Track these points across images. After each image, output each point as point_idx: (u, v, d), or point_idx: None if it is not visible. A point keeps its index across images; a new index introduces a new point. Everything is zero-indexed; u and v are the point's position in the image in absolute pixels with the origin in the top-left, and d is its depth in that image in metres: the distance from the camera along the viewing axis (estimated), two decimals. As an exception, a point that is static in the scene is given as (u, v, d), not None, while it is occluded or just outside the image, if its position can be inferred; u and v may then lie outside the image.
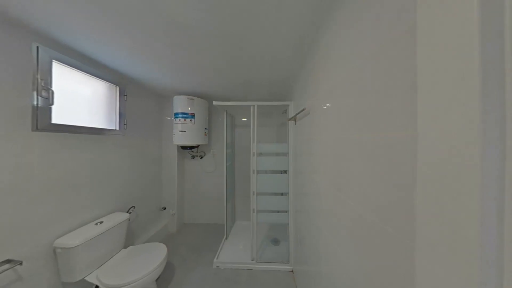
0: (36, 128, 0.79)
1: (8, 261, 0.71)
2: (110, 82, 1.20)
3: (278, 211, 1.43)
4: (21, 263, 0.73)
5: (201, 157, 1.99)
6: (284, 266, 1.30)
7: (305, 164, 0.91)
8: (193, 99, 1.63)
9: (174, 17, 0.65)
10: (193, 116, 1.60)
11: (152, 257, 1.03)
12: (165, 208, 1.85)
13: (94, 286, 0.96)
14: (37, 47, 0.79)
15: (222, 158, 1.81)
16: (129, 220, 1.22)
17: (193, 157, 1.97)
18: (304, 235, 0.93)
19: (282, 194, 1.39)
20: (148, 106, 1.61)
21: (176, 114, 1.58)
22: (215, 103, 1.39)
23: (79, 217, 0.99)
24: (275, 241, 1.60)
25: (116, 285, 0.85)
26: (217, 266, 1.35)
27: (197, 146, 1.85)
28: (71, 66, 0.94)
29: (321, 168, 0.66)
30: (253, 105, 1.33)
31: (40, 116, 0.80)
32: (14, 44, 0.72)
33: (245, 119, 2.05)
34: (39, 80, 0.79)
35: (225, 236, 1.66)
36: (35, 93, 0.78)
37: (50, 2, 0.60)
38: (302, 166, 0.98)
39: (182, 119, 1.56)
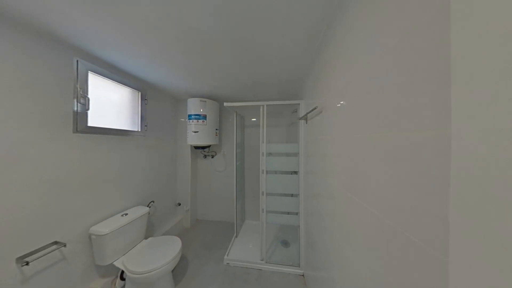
0: (76, 130, 0.92)
1: (55, 242, 0.84)
2: (133, 88, 1.32)
3: (288, 213, 1.39)
4: (65, 245, 0.86)
5: (212, 157, 2.06)
6: (294, 270, 1.27)
7: (317, 165, 0.87)
8: (205, 101, 1.70)
9: (187, 25, 0.69)
10: (205, 117, 1.67)
11: (168, 249, 1.11)
12: (180, 204, 1.97)
13: (120, 271, 1.07)
14: (77, 61, 0.91)
15: (232, 158, 1.85)
16: (149, 214, 1.33)
17: (205, 156, 2.04)
18: (315, 239, 0.90)
19: (292, 195, 1.35)
20: (165, 108, 1.73)
21: (189, 115, 1.66)
22: (225, 104, 1.43)
23: (108, 209, 1.12)
24: (285, 243, 1.57)
25: (138, 272, 0.94)
26: (227, 263, 1.38)
27: (208, 146, 1.92)
28: (102, 76, 1.07)
29: (334, 170, 0.63)
30: (263, 105, 1.33)
31: (79, 120, 0.93)
32: (60, 59, 0.85)
33: (255, 119, 2.06)
34: (78, 89, 0.92)
35: (235, 234, 1.69)
36: (75, 100, 0.91)
37: (87, 21, 0.70)
38: (314, 167, 0.94)
39: (195, 120, 1.64)
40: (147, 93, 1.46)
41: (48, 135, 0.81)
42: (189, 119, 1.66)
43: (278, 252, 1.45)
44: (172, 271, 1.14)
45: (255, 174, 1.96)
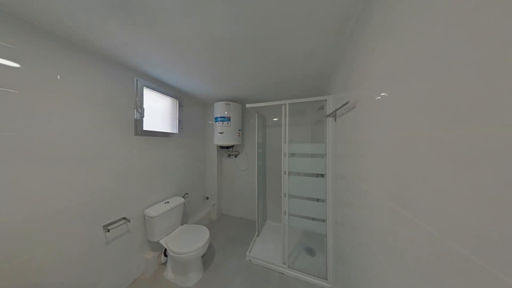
0: (136, 133, 1.19)
1: (124, 218, 1.11)
2: (173, 97, 1.57)
3: (313, 219, 1.26)
4: (129, 221, 1.12)
5: (236, 156, 2.15)
6: (321, 282, 1.17)
7: (349, 168, 0.77)
8: (229, 104, 1.82)
9: (213, 35, 0.76)
10: (229, 119, 1.79)
11: (199, 237, 1.25)
12: (208, 198, 2.18)
13: (163, 249, 1.30)
14: (136, 79, 1.18)
15: (254, 158, 1.90)
16: (184, 204, 1.53)
17: (229, 156, 2.18)
18: (347, 252, 0.79)
19: (318, 200, 1.26)
20: (196, 113, 1.97)
21: (216, 118, 1.81)
22: (247, 105, 1.48)
23: (155, 196, 1.38)
24: (310, 251, 1.47)
25: (177, 252, 1.12)
26: (249, 260, 1.43)
27: (232, 146, 2.02)
28: (152, 89, 1.33)
29: (372, 175, 0.54)
30: (285, 104, 1.29)
31: (138, 125, 1.20)
32: (126, 79, 1.13)
33: (276, 119, 2.03)
34: (137, 101, 1.18)
35: (256, 233, 1.73)
36: (135, 110, 1.18)
37: (142, 48, 0.90)
38: (345, 170, 0.84)
39: (220, 122, 1.76)
40: (183, 100, 1.71)
41: (120, 137, 1.09)
42: (216, 121, 1.81)
43: (302, 259, 1.38)
44: (202, 256, 1.29)
45: (277, 175, 1.94)
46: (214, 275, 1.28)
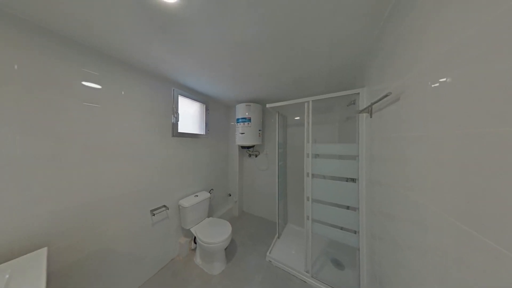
0: (173, 135, 1.40)
1: (164, 206, 1.32)
2: (201, 102, 1.76)
3: (342, 228, 1.14)
4: (168, 209, 1.33)
5: (256, 156, 2.20)
6: (352, 300, 1.03)
7: (391, 173, 0.64)
8: (250, 105, 1.87)
9: (235, 40, 0.79)
10: (249, 119, 1.84)
11: (223, 230, 1.35)
12: (230, 195, 2.31)
13: (193, 236, 1.46)
14: (173, 89, 1.39)
15: (274, 158, 1.87)
16: (210, 198, 1.68)
17: (250, 155, 2.25)
18: (386, 273, 0.67)
19: (348, 208, 1.13)
20: (220, 115, 2.12)
21: (237, 119, 1.92)
22: (268, 105, 1.48)
23: (187, 189, 1.58)
24: (337, 263, 1.33)
25: (204, 241, 1.25)
26: (270, 261, 1.42)
27: (252, 146, 2.09)
28: (184, 96, 1.53)
29: (426, 184, 0.43)
30: (307, 102, 1.21)
31: (174, 128, 1.40)
32: (165, 90, 1.34)
33: (298, 118, 1.94)
34: (174, 108, 1.39)
35: (277, 235, 1.70)
36: (172, 115, 1.39)
37: (178, 63, 1.06)
38: (384, 176, 0.71)
39: (241, 123, 1.85)
40: (209, 104, 1.88)
41: (161, 138, 1.31)
42: (237, 122, 1.91)
43: (328, 271, 1.27)
44: (225, 249, 1.37)
45: (299, 176, 1.85)
46: (235, 269, 1.34)
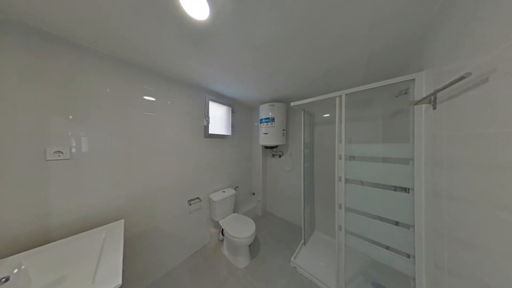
0: (204, 136, 1.59)
1: (198, 198, 1.52)
2: (227, 105, 1.91)
3: (388, 247, 0.94)
4: (201, 201, 1.51)
5: (280, 156, 2.16)
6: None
7: (472, 184, 0.47)
8: (273, 105, 1.85)
9: (257, 43, 0.81)
10: (273, 119, 1.83)
11: (247, 227, 1.42)
12: (254, 194, 2.38)
13: (221, 228, 1.60)
14: (205, 96, 1.57)
15: (299, 159, 1.79)
16: (235, 195, 1.80)
17: (273, 155, 2.22)
18: None
19: (397, 223, 0.92)
20: (244, 116, 2.24)
21: (261, 119, 1.93)
22: (292, 104, 1.42)
23: (215, 185, 1.75)
24: (380, 288, 1.10)
25: (230, 234, 1.35)
26: (294, 267, 1.35)
27: (276, 146, 2.03)
28: (214, 101, 1.72)
29: None
30: (340, 96, 1.07)
31: (205, 130, 1.60)
32: (199, 96, 1.55)
33: (328, 115, 1.75)
34: (205, 112, 1.58)
35: (302, 241, 1.59)
36: (204, 119, 1.58)
37: (209, 73, 1.20)
38: (461, 187, 0.52)
39: (265, 123, 1.85)
40: (235, 107, 2.02)
41: (195, 139, 1.51)
42: (261, 122, 1.93)
43: None
44: (249, 245, 1.42)
45: (329, 180, 1.67)
46: (259, 267, 1.37)
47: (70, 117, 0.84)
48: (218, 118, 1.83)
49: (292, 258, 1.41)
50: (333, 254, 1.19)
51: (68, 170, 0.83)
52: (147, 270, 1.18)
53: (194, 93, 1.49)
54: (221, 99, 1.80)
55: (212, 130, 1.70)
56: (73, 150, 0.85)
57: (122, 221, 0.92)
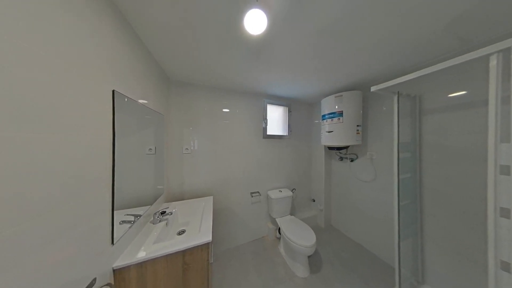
0: (263, 137, 1.89)
1: (258, 192, 1.86)
2: (284, 106, 2.03)
3: None
4: (260, 195, 1.76)
5: (352, 160, 1.73)
6: None
7: None
8: (341, 95, 1.53)
9: (318, 26, 0.76)
10: (340, 114, 1.51)
11: (307, 235, 1.36)
12: (314, 200, 2.13)
13: (278, 227, 1.64)
14: (264, 100, 1.76)
15: (388, 165, 1.30)
16: (292, 197, 1.89)
17: (341, 159, 1.91)
18: None
19: None
20: (301, 115, 2.24)
21: (323, 116, 1.76)
22: (373, 88, 1.03)
23: (273, 184, 1.97)
24: None
25: (288, 236, 1.39)
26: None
27: (346, 147, 1.63)
28: (271, 104, 1.97)
29: None
30: (496, 53, 0.56)
31: (263, 132, 1.89)
32: (258, 102, 1.88)
33: (458, 93, 1.00)
34: (263, 115, 1.83)
35: (397, 288, 1.06)
36: (263, 121, 1.84)
37: (267, 79, 1.43)
38: None
39: (329, 120, 1.65)
40: (291, 106, 2.12)
41: (255, 140, 1.86)
42: (323, 119, 1.77)
43: None
44: (309, 257, 1.28)
45: (462, 210, 0.95)
46: (321, 285, 1.17)
47: (191, 128, 1.51)
48: (275, 119, 1.97)
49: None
50: None
51: (190, 160, 1.51)
52: (224, 239, 1.68)
53: (254, 99, 1.83)
54: (278, 100, 1.99)
55: (270, 131, 1.91)
56: (192, 148, 1.51)
57: (211, 197, 1.47)
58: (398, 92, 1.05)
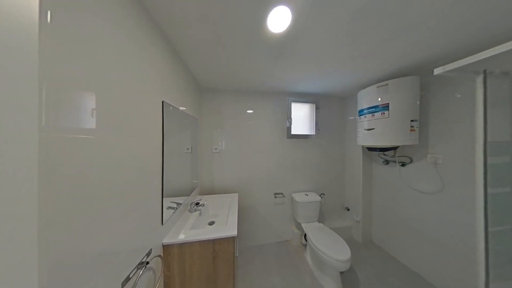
0: (287, 137, 1.89)
1: (281, 193, 1.88)
2: (310, 103, 1.94)
3: None
4: (284, 197, 1.78)
5: (403, 165, 1.39)
6: None
7: None
8: (386, 85, 1.27)
9: (351, 8, 0.67)
10: (385, 107, 1.25)
11: (339, 248, 1.23)
12: (348, 209, 1.86)
13: (304, 233, 1.54)
14: (288, 99, 1.74)
15: (463, 173, 0.97)
16: (320, 203, 1.71)
17: (387, 162, 1.53)
18: None
19: None
20: (332, 111, 2.10)
21: (360, 111, 1.53)
22: (436, 71, 0.78)
23: (298, 186, 1.93)
24: None
25: (317, 247, 1.28)
26: None
27: (394, 148, 1.32)
28: (296, 102, 1.95)
29: None
30: None
31: (288, 131, 1.89)
32: (282, 101, 1.90)
33: None
34: (288, 114, 1.81)
35: None
36: (287, 121, 1.77)
37: (291, 77, 1.44)
38: None
39: (368, 115, 1.40)
40: (319, 102, 2.03)
41: (279, 140, 1.89)
42: (360, 115, 1.54)
43: None
44: (341, 273, 1.13)
45: None
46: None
47: (219, 130, 1.70)
48: (301, 118, 1.92)
49: None
50: None
51: (218, 158, 1.70)
52: (247, 235, 1.80)
53: (278, 98, 1.87)
54: (304, 97, 1.97)
55: (295, 130, 1.82)
56: (220, 147, 1.70)
57: (237, 194, 1.61)
58: (485, 70, 0.74)
